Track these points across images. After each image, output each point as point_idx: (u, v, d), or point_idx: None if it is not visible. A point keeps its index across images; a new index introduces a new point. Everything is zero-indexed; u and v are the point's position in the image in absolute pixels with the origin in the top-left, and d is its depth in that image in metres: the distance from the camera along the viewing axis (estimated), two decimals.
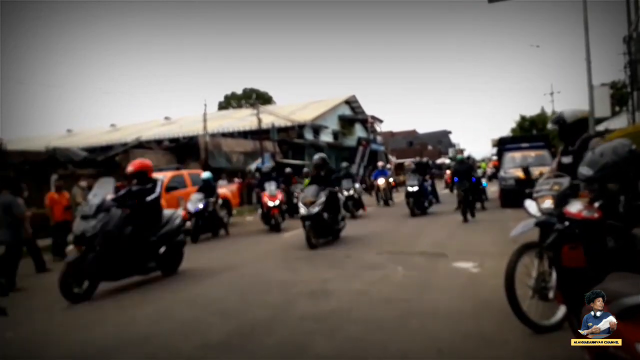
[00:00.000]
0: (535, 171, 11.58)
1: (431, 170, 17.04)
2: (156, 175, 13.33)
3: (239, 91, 56.11)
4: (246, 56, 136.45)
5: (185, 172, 13.89)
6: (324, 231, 8.96)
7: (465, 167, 11.81)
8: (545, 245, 3.08)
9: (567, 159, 3.88)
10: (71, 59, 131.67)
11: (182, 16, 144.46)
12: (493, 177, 28.29)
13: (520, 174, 12.76)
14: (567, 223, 2.68)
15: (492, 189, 18.50)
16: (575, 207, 2.64)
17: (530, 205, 3.36)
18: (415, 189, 12.81)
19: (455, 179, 12.15)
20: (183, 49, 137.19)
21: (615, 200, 2.63)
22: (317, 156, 10.11)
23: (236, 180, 20.86)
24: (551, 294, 3.35)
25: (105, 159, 19.52)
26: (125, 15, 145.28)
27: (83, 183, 11.26)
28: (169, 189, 12.59)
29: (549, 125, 3.78)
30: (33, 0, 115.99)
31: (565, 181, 3.07)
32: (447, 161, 44.49)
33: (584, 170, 2.64)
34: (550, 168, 4.42)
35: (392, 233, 10.12)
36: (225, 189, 15.85)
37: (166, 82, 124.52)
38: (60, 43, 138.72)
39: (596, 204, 2.61)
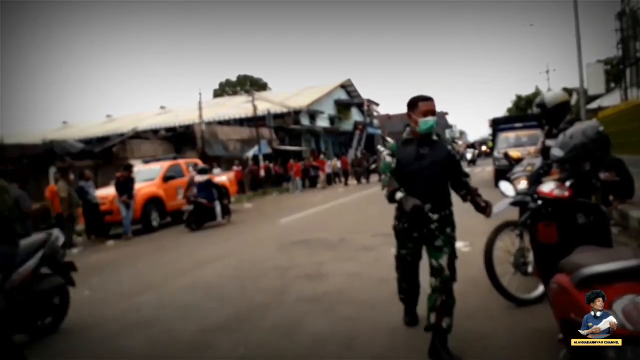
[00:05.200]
0: (530, 149, 11.75)
1: None
2: (154, 165, 13.57)
3: (233, 78, 55.91)
4: (239, 43, 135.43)
5: (182, 162, 14.02)
6: None
7: (437, 159, 3.24)
8: (520, 223, 3.25)
9: (551, 142, 4.03)
10: (64, 50, 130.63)
11: (174, 5, 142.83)
12: (471, 162, 29.75)
13: (513, 153, 12.93)
14: (540, 202, 2.83)
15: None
16: (547, 187, 2.79)
17: (504, 186, 3.52)
18: None
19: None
20: (176, 38, 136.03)
21: (585, 178, 2.78)
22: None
23: (234, 168, 21.01)
24: (530, 269, 3.54)
25: (102, 150, 19.65)
26: (117, 5, 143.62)
27: (71, 177, 11.26)
28: (167, 178, 12.73)
29: (534, 109, 3.84)
30: None
31: (538, 161, 3.22)
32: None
33: (556, 151, 2.78)
34: (534, 149, 4.57)
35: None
36: (223, 176, 16.02)
37: (160, 72, 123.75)
38: (52, 34, 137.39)
39: (567, 183, 2.75)
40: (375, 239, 7.59)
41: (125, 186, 11.13)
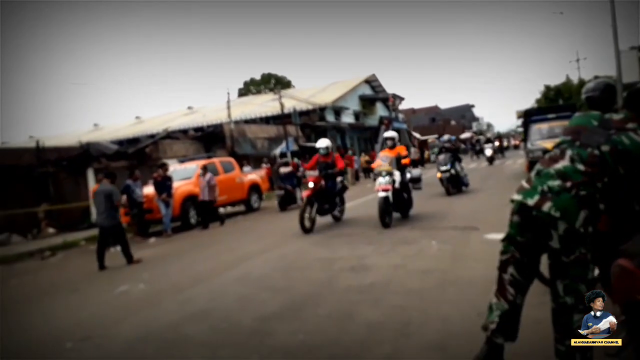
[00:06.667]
0: None
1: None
2: (189, 164, 13.93)
3: (258, 77, 56.37)
4: (262, 41, 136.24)
5: (216, 160, 14.35)
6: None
7: None
8: None
9: None
10: (91, 54, 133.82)
11: (198, 6, 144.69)
12: (490, 160, 24.74)
13: (547, 144, 12.78)
14: None
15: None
16: None
17: None
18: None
19: None
20: (200, 38, 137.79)
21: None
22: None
23: (263, 165, 21.31)
24: None
25: (135, 151, 20.20)
26: (142, 7, 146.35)
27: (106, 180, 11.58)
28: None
29: (583, 97, 3.54)
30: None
31: None
32: (470, 135, 43.82)
33: None
34: None
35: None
36: (254, 174, 16.30)
37: (185, 72, 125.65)
38: (80, 38, 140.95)
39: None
40: (413, 232, 7.70)
41: (164, 185, 11.51)
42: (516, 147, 46.13)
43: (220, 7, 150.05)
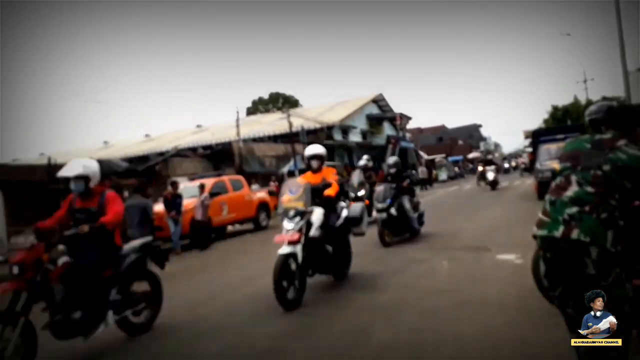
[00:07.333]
0: None
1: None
2: (199, 181, 14.07)
3: (265, 96, 56.97)
4: (270, 60, 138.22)
5: (226, 178, 14.46)
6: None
7: None
8: None
9: None
10: (91, 54, 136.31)
11: (204, 24, 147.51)
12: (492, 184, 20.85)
13: (556, 165, 12.77)
14: None
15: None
16: None
17: None
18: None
19: None
20: (209, 58, 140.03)
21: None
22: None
23: (272, 183, 21.43)
24: None
25: (146, 169, 20.42)
26: (142, 7, 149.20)
27: (125, 194, 11.89)
28: (213, 194, 13.16)
29: (586, 118, 3.57)
30: (49, 1, 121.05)
31: None
32: (478, 155, 43.70)
33: None
34: None
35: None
36: (263, 193, 16.37)
37: (193, 91, 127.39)
38: (80, 38, 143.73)
39: None
40: (422, 252, 7.69)
41: (174, 203, 11.60)
42: (526, 169, 45.81)
43: (229, 28, 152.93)
